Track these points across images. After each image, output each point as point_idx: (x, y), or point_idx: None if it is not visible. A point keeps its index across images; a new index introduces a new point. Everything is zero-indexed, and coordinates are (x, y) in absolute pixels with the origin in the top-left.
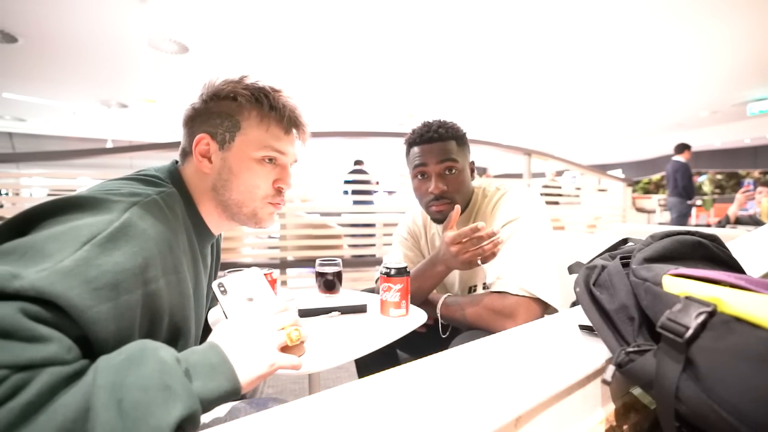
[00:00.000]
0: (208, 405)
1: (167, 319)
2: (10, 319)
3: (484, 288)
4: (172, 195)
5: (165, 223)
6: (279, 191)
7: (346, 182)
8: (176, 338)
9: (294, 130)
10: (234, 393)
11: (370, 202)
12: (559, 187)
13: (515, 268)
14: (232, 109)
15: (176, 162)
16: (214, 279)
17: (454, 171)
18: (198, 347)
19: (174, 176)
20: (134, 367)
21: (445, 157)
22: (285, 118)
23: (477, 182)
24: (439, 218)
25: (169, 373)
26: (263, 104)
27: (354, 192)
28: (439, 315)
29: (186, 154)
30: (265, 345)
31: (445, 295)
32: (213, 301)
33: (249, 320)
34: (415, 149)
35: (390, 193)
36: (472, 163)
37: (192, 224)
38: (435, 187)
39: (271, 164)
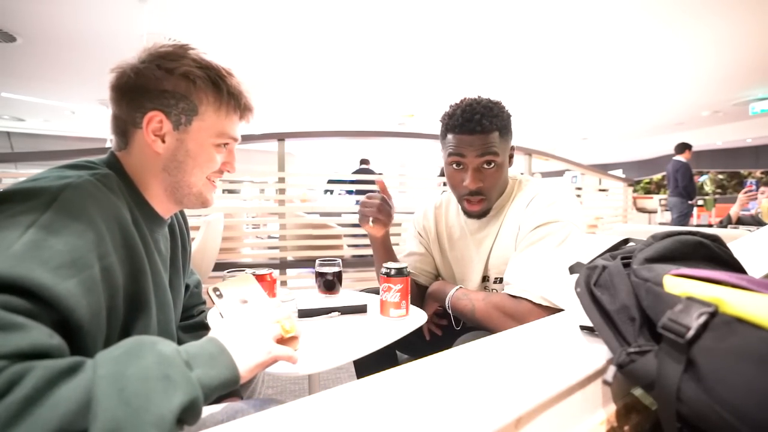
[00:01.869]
0: (209, 393)
1: (122, 293)
2: None
3: (499, 282)
4: (108, 176)
5: (105, 199)
6: (222, 172)
7: (350, 182)
8: (135, 313)
9: (246, 117)
10: (234, 381)
11: None
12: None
13: (538, 274)
14: (189, 91)
15: (112, 152)
16: (184, 269)
17: (493, 165)
18: (196, 341)
19: (111, 161)
20: (133, 359)
21: (485, 151)
22: (241, 106)
23: (512, 173)
24: (471, 214)
25: (168, 364)
26: (221, 90)
27: (358, 192)
28: (449, 306)
29: (126, 127)
30: (261, 335)
31: (457, 287)
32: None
33: (244, 316)
34: (455, 137)
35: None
36: (512, 148)
37: (137, 208)
38: (471, 181)
39: (224, 148)
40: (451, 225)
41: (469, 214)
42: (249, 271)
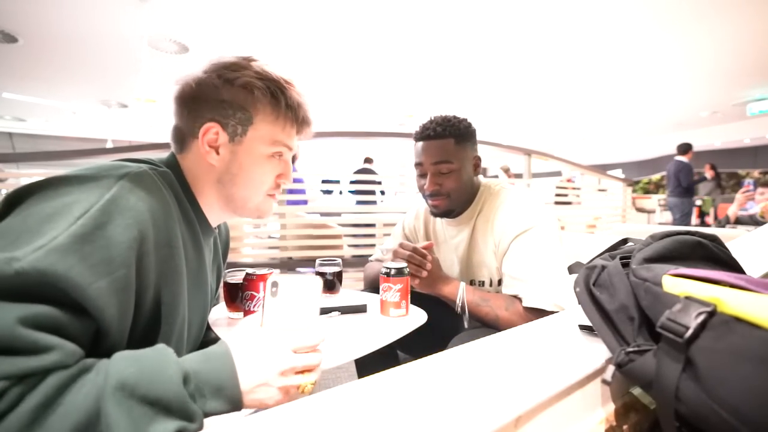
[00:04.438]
0: (206, 416)
1: (152, 293)
2: (9, 331)
3: (491, 284)
4: (165, 174)
5: (158, 194)
6: (279, 185)
7: (352, 182)
8: (158, 315)
9: (303, 128)
10: (233, 410)
11: (372, 202)
12: (578, 188)
13: (546, 282)
14: (247, 102)
15: (173, 153)
16: (220, 278)
17: (448, 170)
18: (213, 355)
19: (170, 162)
20: (144, 380)
21: (438, 159)
22: (300, 119)
23: (484, 180)
24: (435, 212)
25: (174, 394)
26: (279, 101)
27: (358, 192)
28: (462, 302)
29: (184, 137)
30: (280, 383)
31: (462, 284)
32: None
33: (277, 346)
34: (417, 145)
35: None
36: (477, 159)
37: (192, 211)
38: (429, 185)
39: (278, 159)
40: (437, 229)
41: (434, 213)
42: (249, 271)
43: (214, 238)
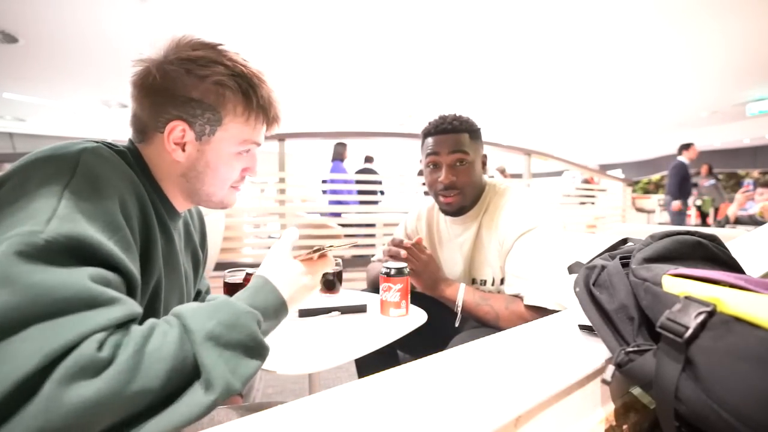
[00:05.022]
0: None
1: (139, 260)
2: (87, 289)
3: (493, 283)
4: (123, 152)
5: (120, 165)
6: (243, 178)
7: (357, 182)
8: (145, 287)
9: (273, 124)
10: (279, 321)
11: (375, 203)
12: (604, 189)
13: (549, 281)
14: (217, 102)
15: (131, 141)
16: (195, 272)
17: (464, 163)
18: (260, 289)
19: (129, 147)
20: (226, 330)
21: (456, 148)
22: (270, 117)
23: (489, 179)
24: (447, 210)
25: (249, 333)
26: (251, 100)
27: (360, 192)
28: (458, 307)
29: (145, 129)
30: (306, 280)
31: (462, 285)
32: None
33: (293, 263)
34: (429, 140)
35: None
36: (485, 156)
37: (155, 192)
38: (445, 177)
39: (245, 155)
40: (441, 228)
41: (445, 210)
42: (249, 270)
43: (185, 222)
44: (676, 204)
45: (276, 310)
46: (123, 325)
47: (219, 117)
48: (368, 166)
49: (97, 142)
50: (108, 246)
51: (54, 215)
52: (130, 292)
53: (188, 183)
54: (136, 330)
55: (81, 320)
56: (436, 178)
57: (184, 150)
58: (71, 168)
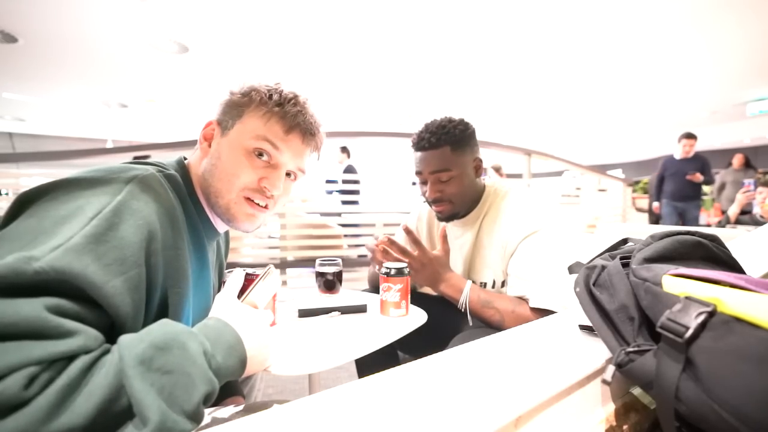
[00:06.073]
0: (221, 381)
1: (159, 293)
2: (37, 316)
3: (493, 286)
4: (171, 177)
5: (165, 196)
6: (262, 190)
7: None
8: (165, 315)
9: (298, 133)
10: (240, 373)
11: (355, 203)
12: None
13: (554, 283)
14: (243, 100)
15: (184, 157)
16: (221, 277)
17: (447, 179)
18: (211, 323)
19: (180, 165)
20: (159, 352)
21: (435, 168)
22: (289, 116)
23: (489, 182)
24: (440, 217)
25: (191, 362)
26: (272, 97)
27: (343, 192)
28: (463, 306)
29: (197, 141)
30: (269, 334)
31: (469, 282)
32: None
33: (258, 313)
34: (415, 155)
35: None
36: (478, 161)
37: (196, 212)
38: (430, 193)
39: (263, 160)
40: (435, 232)
41: (439, 218)
42: (249, 270)
43: (218, 239)
44: (656, 205)
45: (230, 346)
46: (68, 358)
47: (241, 111)
48: (349, 163)
49: (153, 164)
50: (102, 289)
51: (64, 244)
52: (117, 332)
53: (205, 181)
54: (77, 363)
55: (17, 349)
56: (424, 191)
57: (209, 146)
58: (112, 196)
